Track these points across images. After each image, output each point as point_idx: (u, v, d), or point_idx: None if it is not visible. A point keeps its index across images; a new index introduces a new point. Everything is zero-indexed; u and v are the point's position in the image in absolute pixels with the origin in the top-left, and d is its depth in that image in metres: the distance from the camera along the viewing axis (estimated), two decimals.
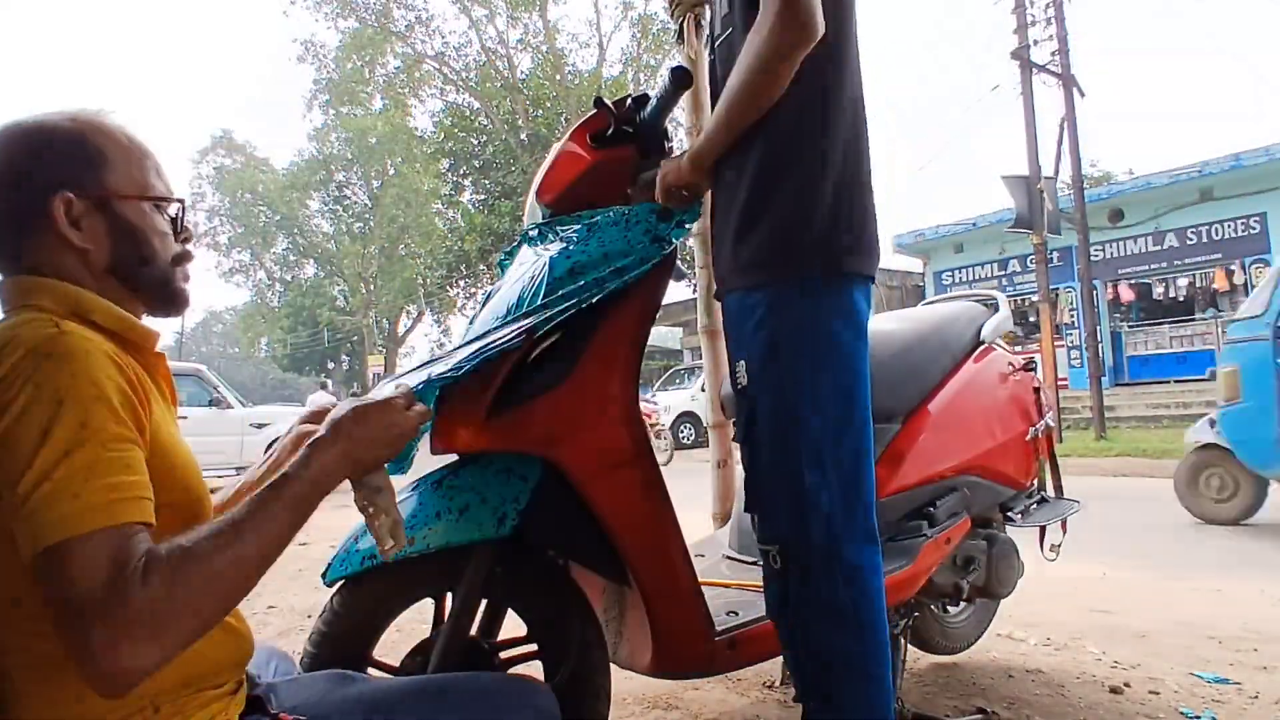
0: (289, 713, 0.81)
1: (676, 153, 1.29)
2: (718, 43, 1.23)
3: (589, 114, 1.34)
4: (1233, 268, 12.66)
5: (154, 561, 0.62)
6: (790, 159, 1.10)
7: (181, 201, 0.84)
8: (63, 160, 0.75)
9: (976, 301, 2.02)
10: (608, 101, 1.31)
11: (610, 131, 1.30)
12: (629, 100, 1.34)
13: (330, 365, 34.71)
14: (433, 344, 28.09)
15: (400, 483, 1.22)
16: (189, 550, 0.64)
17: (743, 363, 1.13)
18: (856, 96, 1.14)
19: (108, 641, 0.59)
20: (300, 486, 0.72)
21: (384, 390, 0.91)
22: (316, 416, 0.98)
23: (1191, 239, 13.01)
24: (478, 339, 1.14)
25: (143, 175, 0.80)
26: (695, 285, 1.34)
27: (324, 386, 9.51)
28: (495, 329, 1.14)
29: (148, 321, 0.83)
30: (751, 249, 1.12)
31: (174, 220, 0.83)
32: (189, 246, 0.85)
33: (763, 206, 1.11)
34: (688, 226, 1.27)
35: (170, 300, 0.83)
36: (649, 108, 1.29)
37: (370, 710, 0.83)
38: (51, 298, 0.74)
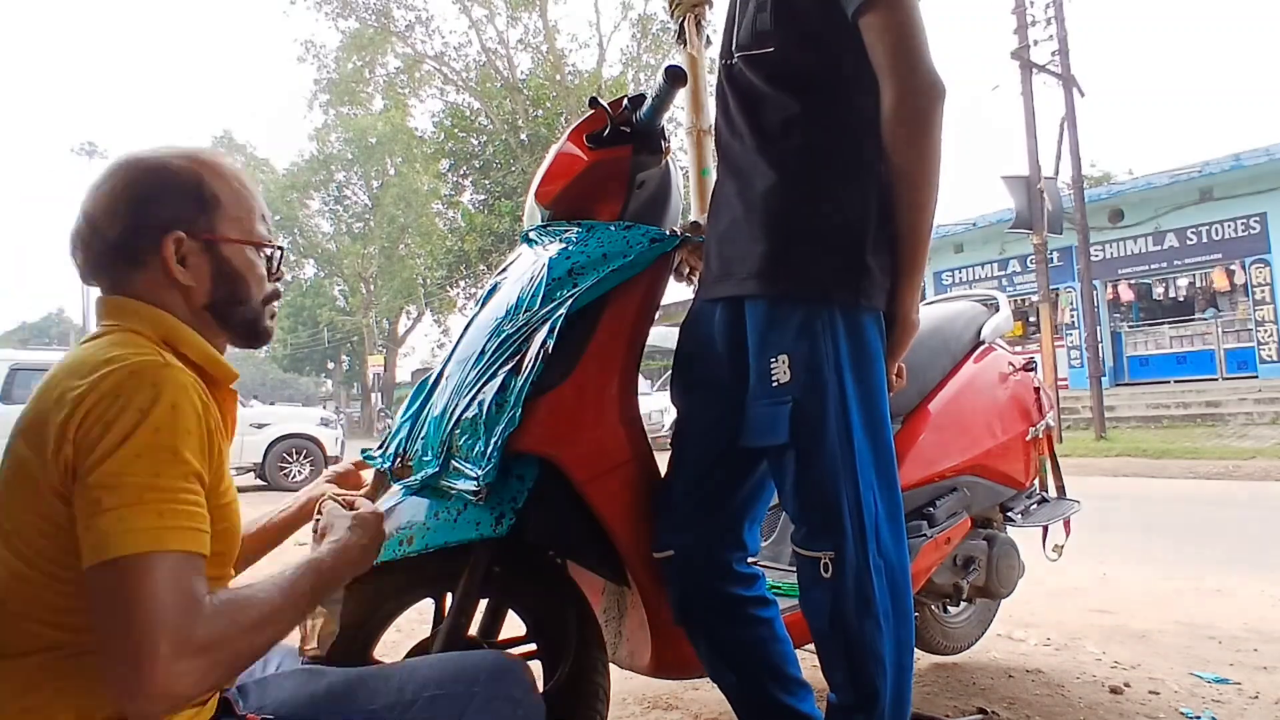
0: (256, 713, 0.81)
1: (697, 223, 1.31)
2: (746, 54, 1.16)
3: (585, 115, 1.34)
4: (1233, 268, 12.65)
5: (220, 600, 0.68)
6: (849, 176, 1.10)
7: (281, 249, 0.91)
8: (179, 201, 0.81)
9: (977, 301, 2.02)
10: (603, 102, 1.31)
11: (607, 132, 1.30)
12: (625, 100, 1.34)
13: (330, 365, 34.73)
14: (433, 344, 28.07)
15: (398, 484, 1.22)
16: (248, 599, 0.71)
17: (784, 358, 1.08)
18: None
19: (169, 660, 0.62)
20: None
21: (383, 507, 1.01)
22: (342, 479, 1.12)
23: (1191, 239, 12.99)
24: (485, 363, 1.15)
25: (250, 220, 0.86)
26: (695, 285, 1.33)
27: (325, 423, 8.89)
28: (500, 354, 1.15)
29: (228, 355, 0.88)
30: (805, 258, 1.10)
31: (270, 261, 0.89)
32: (279, 285, 0.92)
33: (816, 217, 1.10)
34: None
35: (256, 335, 0.89)
36: (645, 107, 1.29)
37: (336, 701, 0.83)
38: (147, 323, 0.78)
